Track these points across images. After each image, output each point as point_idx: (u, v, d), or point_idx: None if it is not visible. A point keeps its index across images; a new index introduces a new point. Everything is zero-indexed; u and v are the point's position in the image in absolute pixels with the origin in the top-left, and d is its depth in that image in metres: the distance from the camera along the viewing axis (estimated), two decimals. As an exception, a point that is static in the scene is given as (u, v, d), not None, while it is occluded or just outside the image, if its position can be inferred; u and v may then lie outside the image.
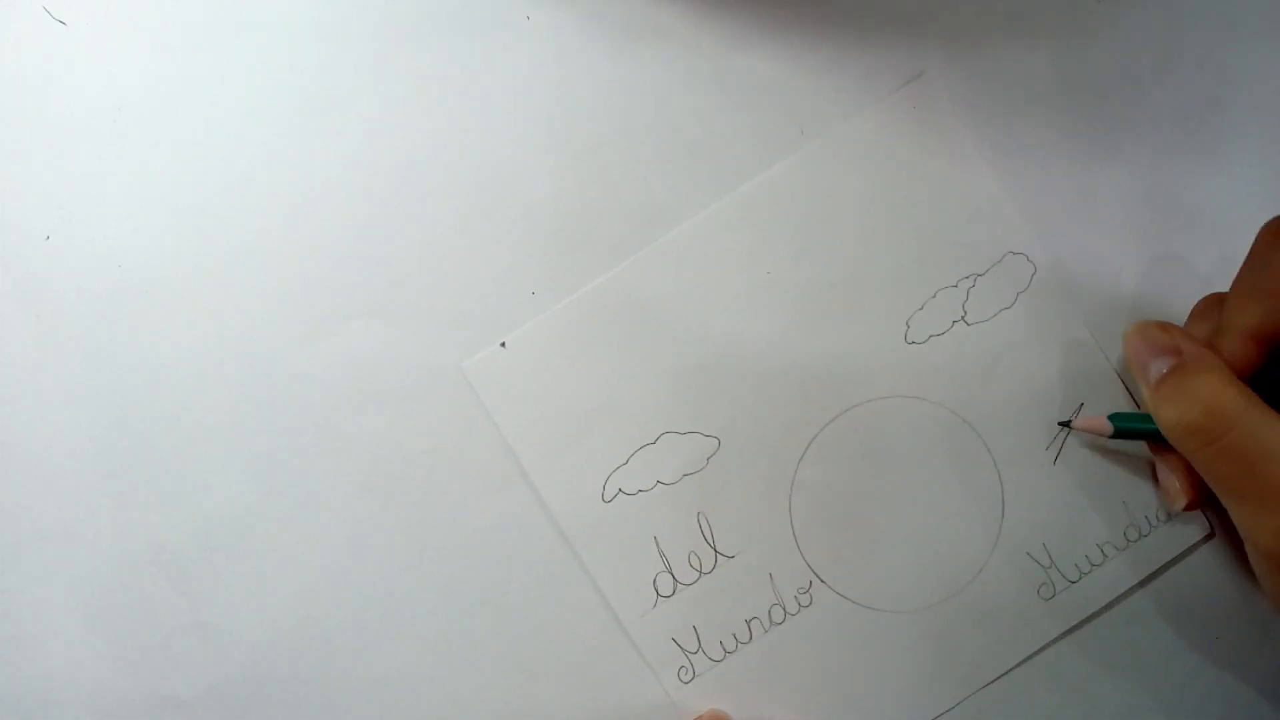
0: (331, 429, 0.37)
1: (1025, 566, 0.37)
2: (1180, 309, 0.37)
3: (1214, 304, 0.35)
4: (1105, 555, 0.38)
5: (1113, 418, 0.36)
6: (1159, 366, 0.33)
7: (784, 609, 0.37)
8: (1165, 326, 0.34)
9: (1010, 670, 0.37)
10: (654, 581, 0.37)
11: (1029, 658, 0.37)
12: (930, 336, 0.37)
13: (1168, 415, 0.32)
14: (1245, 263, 0.33)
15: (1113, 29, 0.37)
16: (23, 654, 0.37)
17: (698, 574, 0.37)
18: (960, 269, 0.37)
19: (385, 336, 0.37)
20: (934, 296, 0.37)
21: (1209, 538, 0.37)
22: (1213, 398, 0.31)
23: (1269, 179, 0.38)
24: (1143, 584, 0.38)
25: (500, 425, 0.37)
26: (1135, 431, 0.36)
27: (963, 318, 0.37)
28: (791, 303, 0.37)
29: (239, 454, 0.36)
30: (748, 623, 0.37)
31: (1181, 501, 0.35)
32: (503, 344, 0.37)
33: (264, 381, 0.36)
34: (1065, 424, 0.37)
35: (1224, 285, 0.35)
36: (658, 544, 0.37)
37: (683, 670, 0.37)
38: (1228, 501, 0.32)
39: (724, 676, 0.37)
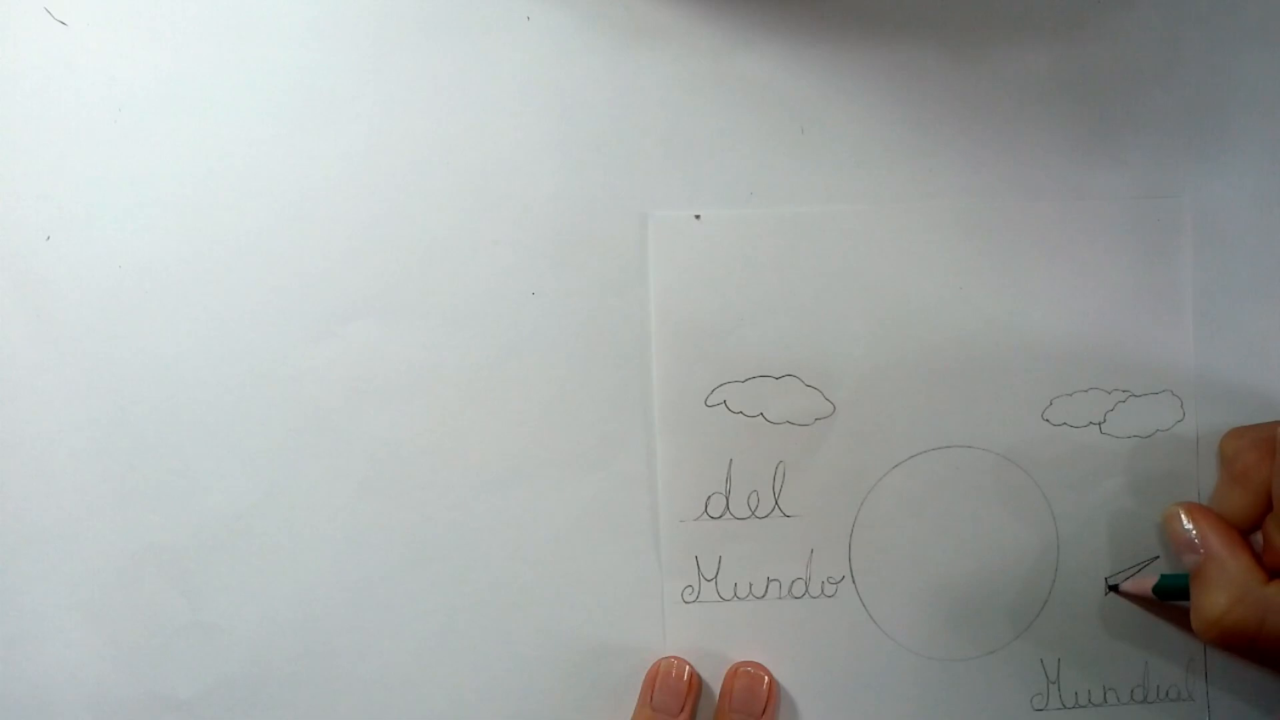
0: (331, 429, 0.37)
1: (1033, 671, 0.38)
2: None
3: (1244, 448, 0.35)
4: (1106, 700, 0.38)
5: (1161, 579, 0.36)
6: (1190, 560, 0.34)
7: (806, 587, 0.37)
8: (1193, 513, 0.35)
9: None
10: (708, 498, 0.37)
11: None
12: (1064, 424, 0.38)
13: (1196, 624, 0.33)
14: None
15: (1113, 29, 0.37)
16: (23, 654, 0.37)
17: (750, 514, 0.37)
18: (1120, 380, 0.38)
19: (385, 336, 0.37)
20: (1086, 391, 0.38)
21: None
22: (1225, 618, 0.32)
23: (1269, 179, 0.38)
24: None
25: (652, 286, 0.37)
26: (1178, 592, 0.36)
27: (1100, 424, 0.38)
28: (966, 326, 0.37)
29: (239, 454, 0.36)
30: (768, 580, 0.37)
31: None
32: (697, 215, 0.36)
33: (264, 381, 0.36)
34: (1113, 588, 0.38)
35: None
36: (730, 468, 0.37)
37: (688, 590, 0.37)
38: None
39: (719, 616, 0.37)
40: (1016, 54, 0.37)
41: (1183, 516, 0.35)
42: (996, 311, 0.37)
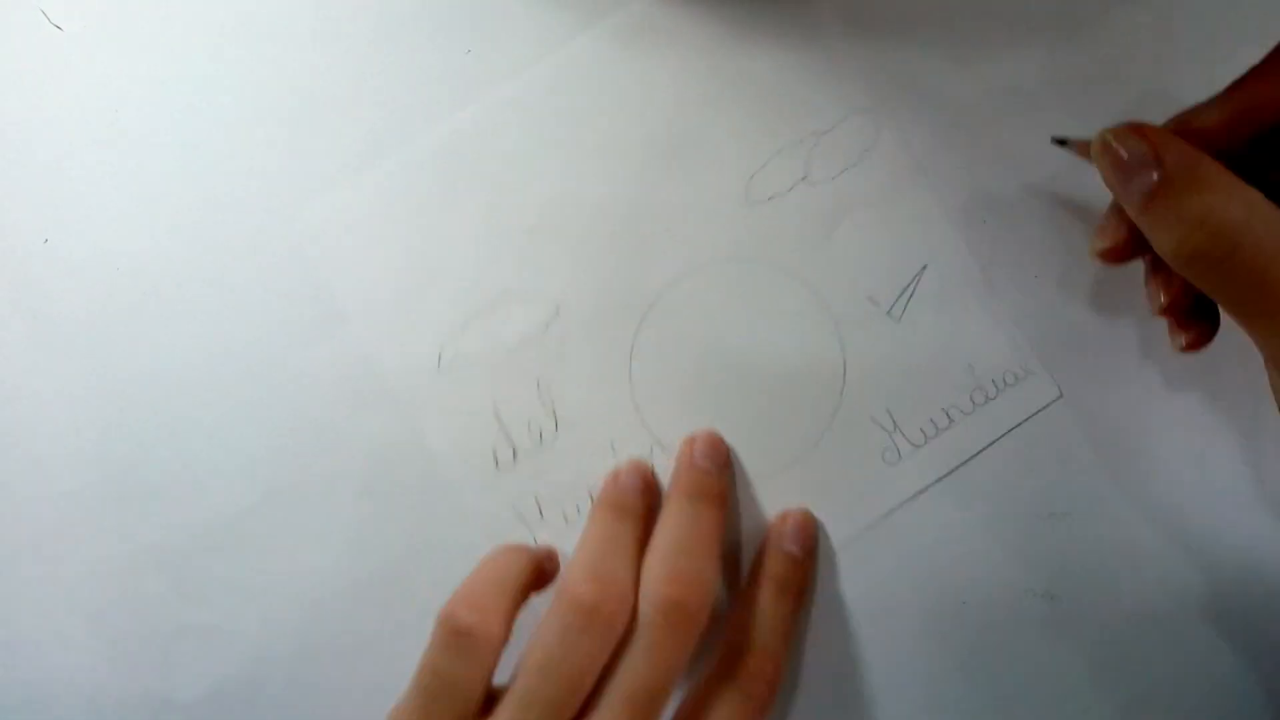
0: (331, 429, 0.37)
1: (868, 432, 0.36)
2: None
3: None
4: (951, 419, 0.36)
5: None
6: (1143, 182, 0.29)
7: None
8: (1140, 130, 0.29)
9: (856, 536, 0.36)
10: (493, 451, 0.36)
11: (872, 525, 0.36)
12: (772, 196, 0.36)
13: (1165, 242, 0.28)
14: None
15: (1110, 29, 0.37)
16: (23, 656, 0.37)
17: (538, 442, 0.36)
18: (804, 124, 0.36)
19: (385, 336, 0.36)
20: (778, 153, 0.36)
21: (1059, 399, 0.36)
22: (1212, 216, 0.27)
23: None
24: (990, 447, 0.36)
25: (333, 281, 0.36)
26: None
27: (805, 177, 0.36)
28: (629, 164, 0.36)
29: (239, 454, 0.37)
30: (590, 494, 0.37)
31: (1181, 340, 0.32)
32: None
33: (263, 382, 0.36)
34: (1060, 141, 0.33)
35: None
36: (496, 411, 0.36)
37: (530, 541, 0.37)
38: (1242, 321, 0.29)
39: (567, 546, 0.37)
40: (1010, 54, 0.37)
41: (1130, 134, 0.29)
42: (653, 132, 0.36)
